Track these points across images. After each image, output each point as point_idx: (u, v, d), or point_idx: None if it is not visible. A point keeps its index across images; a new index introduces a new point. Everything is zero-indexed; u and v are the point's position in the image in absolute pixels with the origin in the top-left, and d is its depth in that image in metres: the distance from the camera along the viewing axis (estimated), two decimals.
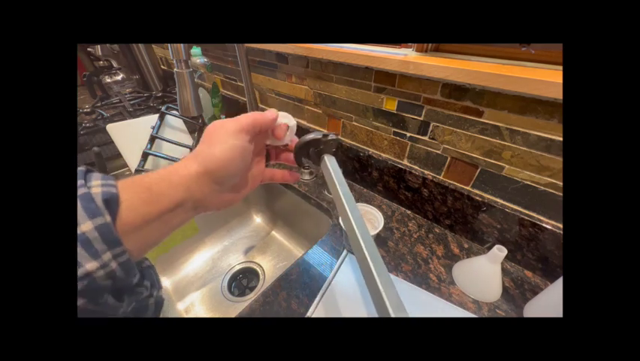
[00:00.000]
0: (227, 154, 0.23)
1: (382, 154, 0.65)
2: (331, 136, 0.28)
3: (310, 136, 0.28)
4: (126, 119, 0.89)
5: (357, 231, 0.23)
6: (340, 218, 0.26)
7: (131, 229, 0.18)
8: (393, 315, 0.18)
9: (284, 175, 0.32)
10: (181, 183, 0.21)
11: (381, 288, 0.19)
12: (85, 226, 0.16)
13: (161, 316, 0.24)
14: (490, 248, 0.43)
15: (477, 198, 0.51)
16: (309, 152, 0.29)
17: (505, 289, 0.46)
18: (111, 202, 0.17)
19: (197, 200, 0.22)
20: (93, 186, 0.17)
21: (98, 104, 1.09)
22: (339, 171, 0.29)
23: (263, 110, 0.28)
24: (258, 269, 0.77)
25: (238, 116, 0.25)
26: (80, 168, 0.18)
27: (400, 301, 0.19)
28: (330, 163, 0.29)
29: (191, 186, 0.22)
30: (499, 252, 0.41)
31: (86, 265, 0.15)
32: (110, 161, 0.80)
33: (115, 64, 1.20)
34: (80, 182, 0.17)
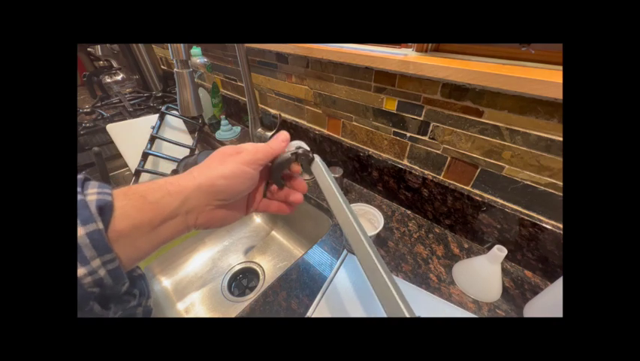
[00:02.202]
0: (235, 174, 0.24)
1: (382, 154, 0.65)
2: (301, 150, 0.28)
3: (283, 158, 0.28)
4: (126, 119, 0.89)
5: (358, 231, 0.23)
6: (337, 218, 0.27)
7: (122, 236, 0.18)
8: (407, 315, 0.18)
9: (279, 207, 0.31)
10: (178, 192, 0.21)
11: (390, 287, 0.20)
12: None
13: (160, 316, 0.24)
14: (490, 248, 0.43)
15: (477, 198, 0.51)
16: (283, 170, 0.29)
17: (505, 289, 0.46)
18: (105, 209, 0.17)
19: (191, 210, 0.22)
20: (89, 193, 0.17)
21: (98, 104, 1.09)
22: (330, 176, 0.30)
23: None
24: (258, 269, 0.77)
25: (256, 147, 0.25)
26: (79, 176, 0.19)
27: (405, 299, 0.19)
28: (318, 171, 0.30)
29: (189, 196, 0.22)
30: (499, 252, 0.41)
31: None
32: (110, 161, 0.80)
33: (115, 64, 1.20)
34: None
